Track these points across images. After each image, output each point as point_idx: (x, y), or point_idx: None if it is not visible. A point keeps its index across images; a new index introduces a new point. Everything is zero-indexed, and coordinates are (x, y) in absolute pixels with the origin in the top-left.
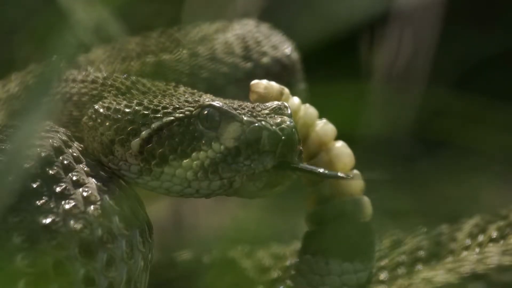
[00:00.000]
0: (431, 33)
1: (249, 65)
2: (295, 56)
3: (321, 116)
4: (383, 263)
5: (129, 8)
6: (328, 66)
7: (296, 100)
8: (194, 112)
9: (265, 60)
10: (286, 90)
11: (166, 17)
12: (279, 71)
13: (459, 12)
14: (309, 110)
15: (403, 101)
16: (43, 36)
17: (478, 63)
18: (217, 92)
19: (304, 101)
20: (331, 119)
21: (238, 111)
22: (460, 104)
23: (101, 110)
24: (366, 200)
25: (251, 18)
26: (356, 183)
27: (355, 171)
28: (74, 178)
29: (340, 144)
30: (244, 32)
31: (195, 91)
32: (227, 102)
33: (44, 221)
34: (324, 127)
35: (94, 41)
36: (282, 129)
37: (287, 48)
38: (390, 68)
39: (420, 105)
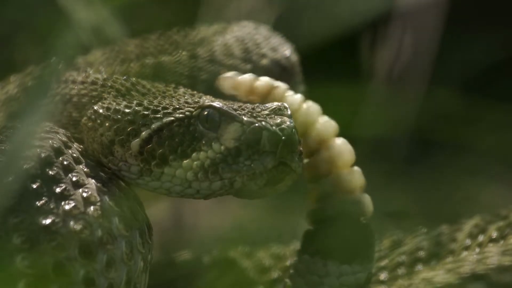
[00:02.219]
0: (432, 34)
1: (248, 67)
2: (294, 58)
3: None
4: (383, 263)
5: (130, 9)
6: (328, 66)
7: (297, 97)
8: (194, 113)
9: (264, 62)
10: (279, 88)
11: (167, 18)
12: (278, 73)
13: (461, 13)
14: (311, 108)
15: (403, 102)
16: (42, 36)
17: (479, 65)
18: (216, 94)
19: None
20: (332, 119)
21: (238, 111)
22: (460, 105)
23: (101, 111)
24: (367, 198)
25: (250, 20)
26: (357, 180)
27: (356, 168)
28: (74, 178)
29: (340, 141)
30: (243, 34)
31: (195, 92)
32: (227, 103)
33: (44, 222)
34: (325, 124)
35: (93, 42)
36: (282, 130)
37: (286, 50)
38: (391, 69)
39: (421, 106)
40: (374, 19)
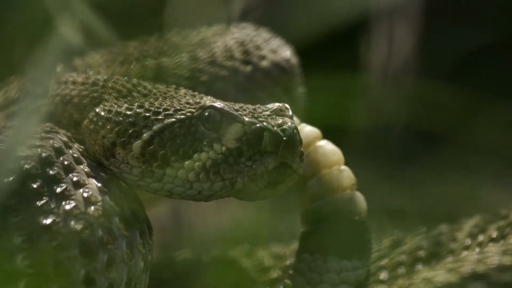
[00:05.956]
0: (422, 26)
1: (248, 68)
2: (294, 60)
3: (317, 110)
4: (383, 262)
5: (121, 9)
6: (324, 60)
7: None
8: (195, 114)
9: (264, 63)
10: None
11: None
12: (278, 75)
13: (450, 5)
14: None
15: (399, 96)
16: (33, 37)
17: (474, 57)
18: (216, 95)
19: (303, 104)
20: (327, 114)
21: (239, 112)
22: (457, 100)
23: (102, 113)
24: (359, 196)
25: (249, 16)
26: (347, 178)
27: (343, 167)
28: (75, 178)
29: (324, 142)
30: (243, 36)
31: (196, 93)
32: (228, 104)
33: (44, 221)
34: (303, 130)
35: (85, 43)
36: (283, 130)
37: (286, 52)
38: (385, 63)
39: (416, 101)
40: (365, 14)
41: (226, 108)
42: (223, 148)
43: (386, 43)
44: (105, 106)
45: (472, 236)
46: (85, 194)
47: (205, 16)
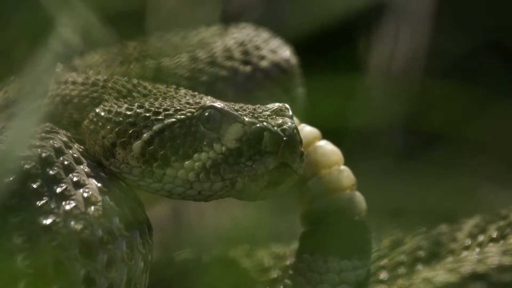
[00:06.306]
0: (426, 25)
1: (248, 69)
2: (294, 60)
3: (317, 110)
4: (383, 262)
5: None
6: (324, 59)
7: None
8: (195, 114)
9: (264, 64)
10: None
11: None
12: (277, 75)
13: (453, 4)
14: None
15: (400, 95)
16: (35, 37)
17: (475, 56)
18: (216, 95)
19: (303, 104)
20: (327, 114)
21: (239, 112)
22: (458, 99)
23: (102, 113)
24: (359, 196)
25: (248, 15)
26: (347, 178)
27: (343, 167)
28: (75, 179)
29: (324, 142)
30: (243, 36)
31: (196, 93)
32: (229, 104)
33: (44, 221)
34: (303, 130)
35: (85, 44)
36: (283, 130)
37: (285, 52)
38: (388, 62)
39: (418, 99)
40: (369, 11)
41: (226, 108)
42: (223, 148)
43: (390, 43)
44: (105, 106)
45: (472, 236)
46: (85, 194)
47: (200, 16)
